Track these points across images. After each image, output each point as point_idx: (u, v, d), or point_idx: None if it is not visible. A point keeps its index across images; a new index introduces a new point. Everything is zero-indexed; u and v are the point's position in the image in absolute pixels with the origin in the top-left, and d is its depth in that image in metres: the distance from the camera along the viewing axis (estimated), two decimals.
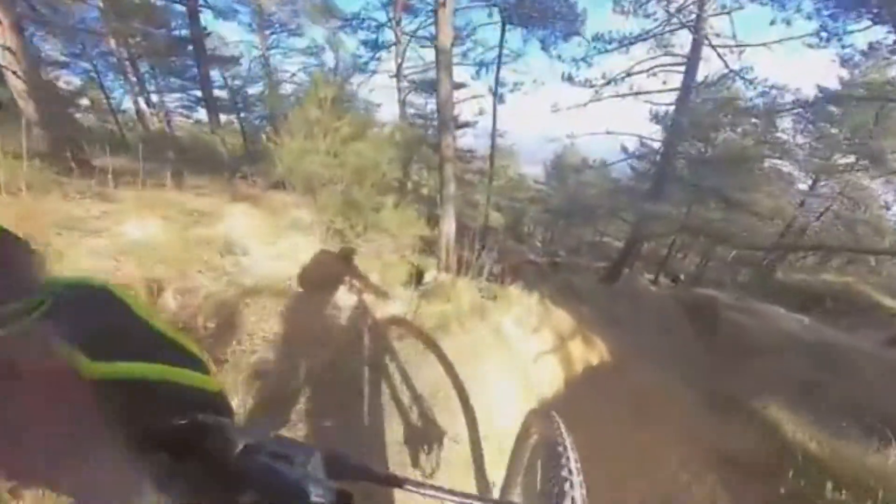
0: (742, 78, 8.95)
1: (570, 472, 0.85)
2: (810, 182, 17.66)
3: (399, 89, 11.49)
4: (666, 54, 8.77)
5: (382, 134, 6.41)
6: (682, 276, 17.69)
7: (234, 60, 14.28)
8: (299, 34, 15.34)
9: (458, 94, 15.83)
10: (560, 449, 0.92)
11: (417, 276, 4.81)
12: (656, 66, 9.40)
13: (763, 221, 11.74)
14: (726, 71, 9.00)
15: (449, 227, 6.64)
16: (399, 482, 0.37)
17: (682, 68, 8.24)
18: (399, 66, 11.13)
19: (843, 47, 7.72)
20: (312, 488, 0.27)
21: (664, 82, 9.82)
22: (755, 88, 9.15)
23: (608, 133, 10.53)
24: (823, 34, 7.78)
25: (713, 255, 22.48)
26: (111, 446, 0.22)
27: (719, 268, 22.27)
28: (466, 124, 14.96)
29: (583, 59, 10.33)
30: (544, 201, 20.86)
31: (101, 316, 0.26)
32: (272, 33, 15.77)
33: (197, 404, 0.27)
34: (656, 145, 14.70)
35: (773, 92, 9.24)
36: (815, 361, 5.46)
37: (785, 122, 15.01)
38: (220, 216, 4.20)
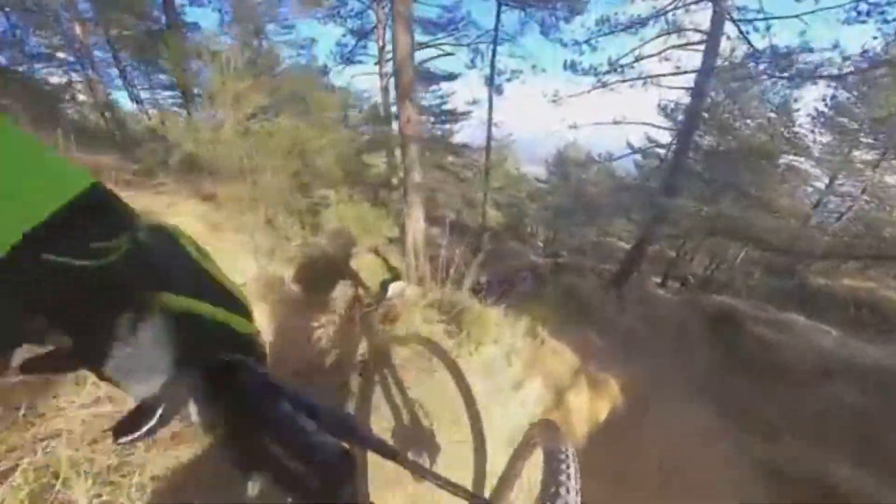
0: (766, 61, 7.99)
1: (568, 478, 0.90)
2: (827, 180, 16.81)
3: (381, 75, 10.49)
4: (680, 31, 7.83)
5: (324, 103, 5.35)
6: (691, 279, 16.79)
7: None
8: (289, 26, 14.44)
9: (452, 86, 15.06)
10: (561, 457, 0.95)
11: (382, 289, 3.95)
12: (670, 47, 8.46)
13: (786, 220, 10.80)
14: (750, 51, 8.05)
15: (416, 225, 5.40)
16: (394, 454, 0.38)
17: (701, 47, 7.33)
18: (381, 50, 10.14)
19: (886, 21, 6.76)
20: (322, 443, 0.30)
21: (678, 66, 8.88)
22: (781, 70, 8.19)
23: (615, 122, 9.58)
24: (863, 6, 6.82)
25: (723, 257, 21.55)
26: (167, 365, 0.26)
27: (728, 270, 21.34)
28: (455, 113, 13.99)
29: (586, 42, 9.40)
30: (546, 199, 19.95)
31: (168, 256, 0.29)
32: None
33: (235, 344, 0.30)
34: (665, 139, 13.80)
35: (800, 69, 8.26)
36: (868, 392, 4.55)
37: (802, 118, 14.16)
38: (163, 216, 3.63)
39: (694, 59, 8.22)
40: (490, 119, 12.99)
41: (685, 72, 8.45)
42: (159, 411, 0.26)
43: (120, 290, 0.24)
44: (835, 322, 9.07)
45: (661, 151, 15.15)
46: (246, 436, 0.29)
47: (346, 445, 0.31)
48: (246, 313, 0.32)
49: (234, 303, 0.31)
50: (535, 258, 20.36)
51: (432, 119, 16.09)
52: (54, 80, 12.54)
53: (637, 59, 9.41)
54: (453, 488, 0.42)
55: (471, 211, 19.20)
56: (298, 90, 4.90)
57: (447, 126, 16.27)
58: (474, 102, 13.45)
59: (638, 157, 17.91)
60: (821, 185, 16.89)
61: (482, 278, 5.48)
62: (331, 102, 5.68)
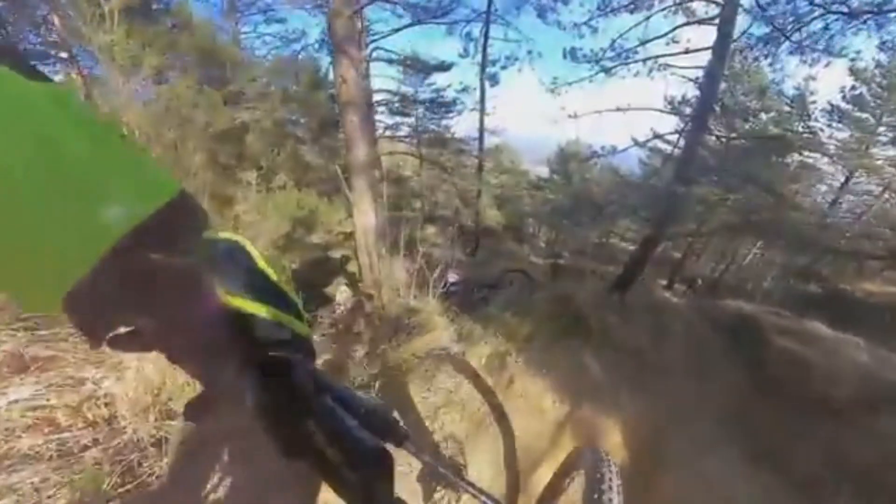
0: (788, 38, 7.16)
1: (610, 489, 0.87)
2: (842, 178, 15.92)
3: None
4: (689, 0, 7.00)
5: (250, 69, 4.42)
6: (699, 281, 15.90)
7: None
8: (280, 20, 13.66)
9: (445, 77, 14.26)
10: (605, 486, 0.91)
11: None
12: (680, 26, 7.63)
13: (805, 215, 9.94)
14: (768, 30, 7.24)
15: (364, 218, 4.21)
16: (431, 456, 0.44)
17: (716, 21, 6.52)
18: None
19: None
20: (361, 438, 0.33)
21: (687, 50, 8.04)
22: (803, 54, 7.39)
23: (618, 109, 8.76)
24: None
25: (732, 257, 20.64)
26: (228, 355, 0.30)
27: (737, 271, 20.42)
28: (448, 104, 13.18)
29: (586, 24, 8.58)
30: (548, 197, 19.13)
31: (236, 262, 0.33)
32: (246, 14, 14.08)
33: (289, 342, 0.34)
34: (672, 135, 12.97)
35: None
36: None
37: (817, 111, 13.31)
38: None
39: (707, 37, 7.38)
40: (482, 108, 12.17)
41: (697, 49, 7.61)
42: (223, 394, 0.31)
43: (197, 285, 0.28)
44: (859, 330, 8.16)
45: (667, 147, 14.38)
46: (292, 424, 0.33)
47: (383, 443, 0.34)
48: (301, 317, 0.36)
49: (292, 307, 0.36)
50: (535, 259, 19.57)
51: (430, 114, 15.34)
52: (58, 78, 11.86)
53: (642, 42, 8.59)
54: (487, 498, 0.45)
55: (469, 210, 18.40)
56: (203, 46, 4.08)
57: (443, 121, 15.52)
58: (464, 90, 12.60)
59: (643, 153, 17.12)
60: (836, 182, 16.06)
61: (451, 278, 4.68)
62: (252, 69, 4.80)
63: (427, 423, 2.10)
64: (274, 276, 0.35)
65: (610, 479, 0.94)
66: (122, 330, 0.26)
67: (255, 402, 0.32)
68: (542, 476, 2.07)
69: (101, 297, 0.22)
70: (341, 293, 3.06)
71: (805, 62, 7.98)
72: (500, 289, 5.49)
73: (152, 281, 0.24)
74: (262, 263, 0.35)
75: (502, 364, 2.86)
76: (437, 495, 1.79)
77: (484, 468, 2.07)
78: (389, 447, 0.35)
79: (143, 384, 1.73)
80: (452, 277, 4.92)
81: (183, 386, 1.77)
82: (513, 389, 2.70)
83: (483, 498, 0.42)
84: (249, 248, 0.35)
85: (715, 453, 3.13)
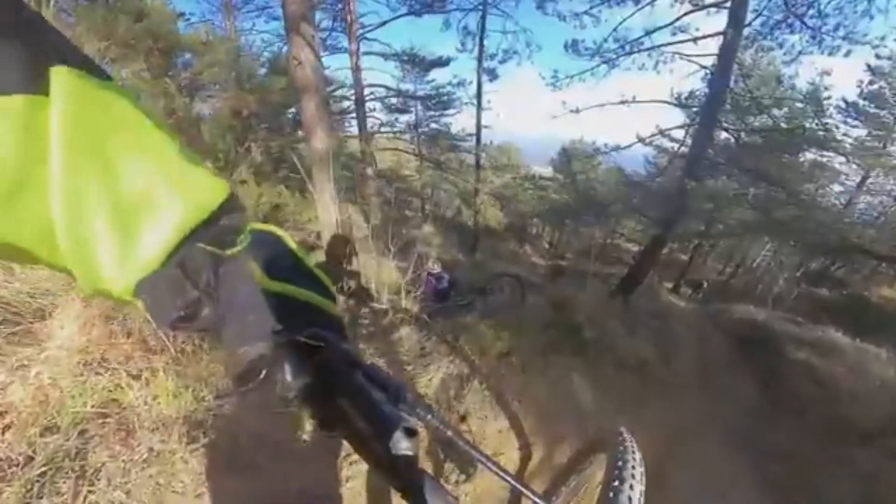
0: (803, 23, 6.65)
1: (632, 477, 0.88)
2: (858, 178, 15.30)
3: (352, 54, 9.14)
4: None
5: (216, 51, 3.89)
6: (705, 284, 15.29)
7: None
8: (275, 17, 13.27)
9: (443, 73, 13.84)
10: (627, 473, 0.91)
11: None
12: (686, 13, 7.15)
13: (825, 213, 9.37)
14: (780, 17, 6.74)
15: (328, 214, 3.72)
16: (452, 431, 0.43)
17: (727, 5, 6.04)
18: (350, 24, 8.80)
19: None
20: (389, 414, 0.35)
21: (695, 39, 7.55)
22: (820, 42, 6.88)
23: (622, 103, 8.28)
24: None
25: (741, 260, 20.02)
26: (269, 334, 0.32)
27: (745, 274, 19.80)
28: (446, 101, 12.73)
29: (587, 13, 8.12)
30: (550, 197, 18.64)
31: (276, 251, 0.37)
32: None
33: (322, 322, 0.37)
34: (678, 132, 12.46)
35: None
36: None
37: (831, 108, 12.72)
38: None
39: (716, 24, 6.91)
40: (479, 103, 11.71)
41: (706, 36, 7.12)
42: (264, 370, 0.32)
43: (243, 273, 0.31)
44: (878, 337, 7.60)
45: (673, 145, 13.85)
46: (326, 397, 0.36)
47: (409, 417, 0.36)
48: (333, 298, 0.38)
49: (324, 290, 0.38)
50: (537, 260, 19.08)
51: (429, 112, 14.93)
52: None
53: (647, 32, 8.11)
54: (513, 479, 0.45)
55: (471, 210, 17.95)
56: (156, 31, 3.71)
57: (442, 119, 15.09)
58: (459, 84, 12.14)
59: (648, 151, 16.59)
60: (851, 182, 15.43)
61: (434, 279, 4.24)
62: (211, 53, 4.35)
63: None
64: (307, 261, 0.39)
65: (633, 466, 0.91)
66: (182, 313, 0.28)
67: (294, 377, 0.34)
68: None
69: (168, 283, 0.26)
70: None
71: (823, 52, 7.46)
72: (490, 294, 5.05)
73: (211, 269, 0.28)
74: (299, 251, 0.39)
75: (458, 392, 2.31)
76: (447, 466, 1.83)
77: None
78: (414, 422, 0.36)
79: (33, 392, 1.40)
80: (435, 279, 4.48)
81: (76, 395, 1.44)
82: (463, 429, 2.14)
83: (502, 474, 0.43)
84: (286, 237, 0.39)
85: (729, 484, 2.68)
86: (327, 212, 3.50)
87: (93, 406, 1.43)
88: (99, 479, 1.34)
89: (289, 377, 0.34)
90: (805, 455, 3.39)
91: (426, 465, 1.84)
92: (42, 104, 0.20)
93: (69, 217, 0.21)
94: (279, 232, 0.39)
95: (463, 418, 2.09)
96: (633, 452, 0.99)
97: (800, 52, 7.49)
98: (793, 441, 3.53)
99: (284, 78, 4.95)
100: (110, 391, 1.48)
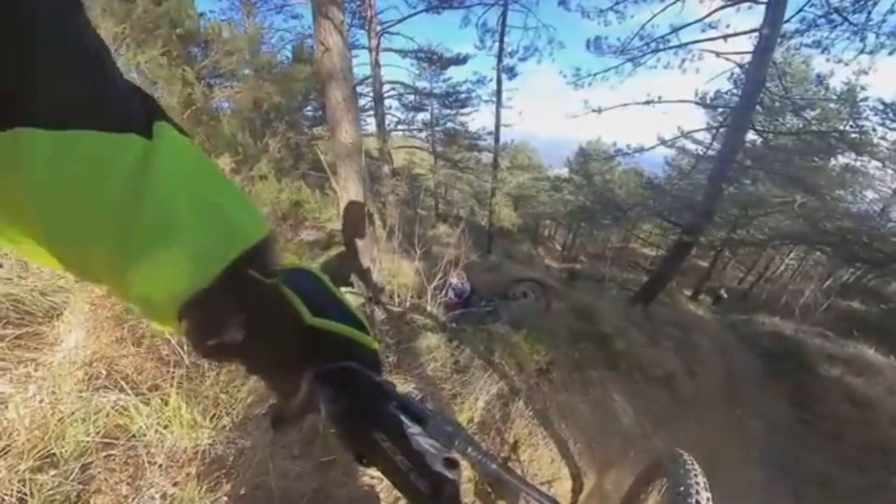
0: (846, 20, 6.28)
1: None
2: (895, 186, 14.56)
3: (372, 50, 9.00)
4: None
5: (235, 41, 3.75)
6: (724, 293, 14.72)
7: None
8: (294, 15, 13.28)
9: (461, 72, 13.64)
10: (692, 498, 0.87)
11: None
12: (722, 7, 6.81)
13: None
14: (820, 13, 6.37)
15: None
16: (498, 465, 0.40)
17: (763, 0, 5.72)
18: (370, 20, 8.66)
19: None
20: (426, 445, 0.34)
21: (725, 37, 7.21)
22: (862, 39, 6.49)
23: (648, 103, 7.98)
24: None
25: (764, 268, 19.32)
26: (303, 368, 0.33)
27: (765, 283, 19.11)
28: (460, 97, 12.55)
29: (612, 9, 7.82)
30: (567, 199, 18.30)
31: (311, 287, 0.36)
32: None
33: (358, 356, 0.36)
34: (703, 135, 12.03)
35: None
36: None
37: (866, 109, 12.09)
38: None
39: (748, 21, 6.58)
40: (499, 101, 11.50)
41: (739, 33, 6.78)
42: (301, 405, 0.33)
43: (283, 305, 0.32)
44: None
45: (697, 147, 13.39)
46: (361, 430, 0.35)
47: (448, 450, 0.34)
48: (366, 331, 0.38)
49: (359, 324, 0.38)
50: (551, 262, 18.78)
51: (446, 110, 14.80)
52: None
53: (674, 30, 7.80)
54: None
55: (486, 210, 17.75)
56: (173, 16, 3.64)
57: (459, 117, 14.95)
58: (478, 81, 11.94)
59: (668, 153, 16.12)
60: (886, 189, 14.71)
61: (455, 283, 4.08)
62: (231, 42, 4.23)
63: None
64: (342, 298, 0.39)
65: (698, 490, 0.87)
66: (219, 341, 0.28)
67: (329, 412, 0.35)
68: None
69: (212, 306, 0.26)
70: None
71: (865, 50, 7.06)
72: (512, 300, 4.88)
73: (248, 300, 0.28)
74: (332, 287, 0.39)
75: (504, 415, 2.08)
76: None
77: None
78: (455, 455, 0.35)
79: (30, 414, 1.18)
80: (459, 280, 4.34)
81: (78, 420, 1.23)
82: (515, 461, 1.95)
83: None
84: (321, 274, 0.40)
85: None
86: (353, 195, 3.34)
87: (97, 433, 1.21)
88: None
89: (324, 411, 0.35)
90: (845, 482, 3.17)
91: (473, 501, 1.68)
92: (151, 150, 0.24)
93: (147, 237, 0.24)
94: (313, 268, 0.40)
95: (514, 447, 1.94)
96: (696, 476, 0.94)
97: (841, 51, 7.07)
98: (831, 467, 3.31)
99: (308, 66, 4.87)
100: (119, 414, 1.27)
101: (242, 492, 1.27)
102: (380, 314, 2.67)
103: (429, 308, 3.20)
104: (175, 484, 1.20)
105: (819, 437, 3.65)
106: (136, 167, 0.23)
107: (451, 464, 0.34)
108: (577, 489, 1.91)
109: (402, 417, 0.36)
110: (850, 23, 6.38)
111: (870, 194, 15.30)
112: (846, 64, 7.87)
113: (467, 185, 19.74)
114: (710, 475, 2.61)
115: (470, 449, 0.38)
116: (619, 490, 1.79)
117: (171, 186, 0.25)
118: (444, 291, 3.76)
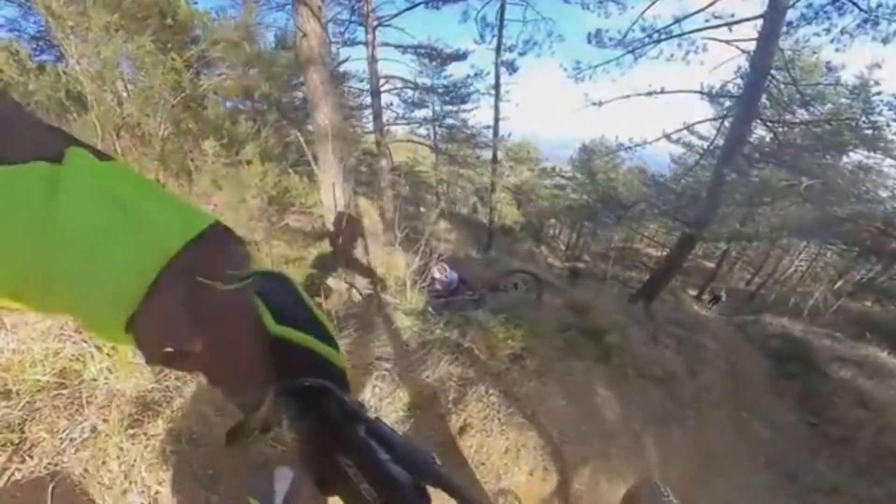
0: (857, 6, 6.01)
1: None
2: None
3: (368, 44, 8.84)
4: None
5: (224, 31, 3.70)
6: (723, 295, 14.24)
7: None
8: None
9: (462, 67, 13.50)
10: None
11: None
12: None
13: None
14: None
15: (331, 198, 3.39)
16: (472, 498, 0.36)
17: None
18: (367, 15, 8.46)
19: None
20: (395, 474, 0.31)
21: (729, 24, 6.95)
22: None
23: (649, 94, 7.76)
24: None
25: (773, 267, 18.91)
26: (266, 382, 0.31)
27: (774, 284, 18.70)
28: (460, 93, 12.38)
29: (612, 1, 7.60)
30: (569, 197, 18.07)
31: (282, 295, 0.34)
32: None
33: (325, 373, 0.34)
34: (707, 128, 11.74)
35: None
36: None
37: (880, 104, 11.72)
38: None
39: (752, 8, 6.35)
40: (497, 95, 11.29)
41: (743, 20, 6.55)
42: (262, 421, 0.31)
43: (244, 313, 0.30)
44: None
45: (701, 143, 13.11)
46: (325, 453, 0.33)
47: (418, 481, 0.32)
48: (336, 346, 0.36)
49: (328, 338, 0.35)
50: (553, 261, 18.54)
51: (446, 106, 14.63)
52: None
53: (677, 20, 7.56)
54: None
55: (487, 207, 17.58)
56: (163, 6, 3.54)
57: (460, 114, 14.76)
58: (476, 75, 11.76)
59: (673, 150, 15.81)
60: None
61: (437, 274, 3.94)
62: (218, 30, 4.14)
63: None
64: (313, 308, 0.36)
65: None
66: (173, 349, 0.27)
67: (291, 429, 0.33)
68: None
69: (159, 318, 0.25)
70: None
71: (876, 38, 6.77)
72: (502, 290, 4.70)
73: (202, 306, 0.26)
74: (305, 296, 0.36)
75: (459, 397, 1.97)
76: None
77: None
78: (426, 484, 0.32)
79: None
80: (441, 273, 4.19)
81: (31, 364, 1.42)
82: (461, 445, 1.82)
83: None
84: (293, 282, 0.37)
85: None
86: (330, 194, 3.23)
87: (53, 374, 1.37)
88: (32, 456, 1.24)
89: (286, 428, 0.33)
90: (855, 491, 2.95)
91: None
92: (59, 173, 0.24)
93: (76, 258, 0.23)
94: (286, 274, 0.38)
95: (461, 431, 1.77)
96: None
97: (850, 38, 6.79)
98: (840, 473, 3.09)
99: (291, 52, 4.80)
100: (75, 360, 1.42)
101: (159, 431, 1.37)
102: (356, 296, 2.56)
103: (408, 295, 3.05)
104: (105, 421, 1.34)
105: (828, 443, 3.42)
106: (45, 191, 0.23)
107: (421, 493, 0.31)
108: (533, 486, 1.73)
109: (372, 443, 0.32)
110: (860, 9, 6.11)
111: (884, 193, 14.89)
112: (859, 50, 7.60)
113: (469, 182, 19.56)
114: (710, 479, 2.39)
115: (443, 478, 0.33)
116: (594, 493, 1.62)
117: (86, 202, 0.24)
118: (425, 280, 3.61)
